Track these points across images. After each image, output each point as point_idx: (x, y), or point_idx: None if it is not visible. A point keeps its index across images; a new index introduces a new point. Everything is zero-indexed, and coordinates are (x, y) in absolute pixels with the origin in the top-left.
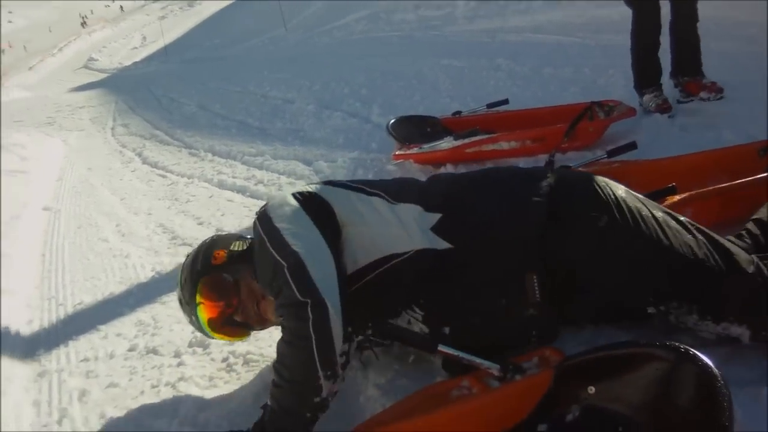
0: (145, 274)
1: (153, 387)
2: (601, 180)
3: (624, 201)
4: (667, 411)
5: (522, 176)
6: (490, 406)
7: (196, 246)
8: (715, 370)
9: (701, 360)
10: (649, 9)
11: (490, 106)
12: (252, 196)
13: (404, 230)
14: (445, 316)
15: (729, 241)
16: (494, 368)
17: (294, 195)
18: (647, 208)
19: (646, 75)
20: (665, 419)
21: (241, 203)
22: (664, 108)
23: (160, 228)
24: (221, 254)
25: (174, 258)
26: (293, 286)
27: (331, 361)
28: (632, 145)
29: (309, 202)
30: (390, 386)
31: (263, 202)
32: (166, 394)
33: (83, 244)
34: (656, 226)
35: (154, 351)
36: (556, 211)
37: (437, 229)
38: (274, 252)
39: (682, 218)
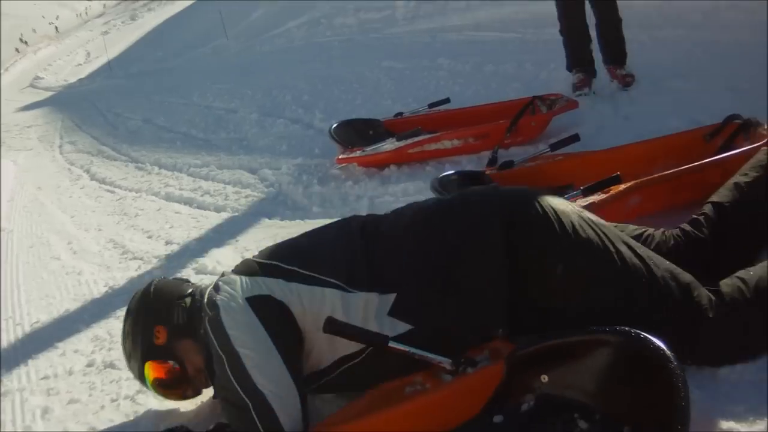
0: (98, 290)
1: (113, 401)
2: (557, 211)
3: (578, 237)
4: (622, 395)
5: (470, 226)
6: (445, 401)
7: (136, 301)
8: (668, 352)
9: (652, 342)
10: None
11: (431, 105)
12: (199, 207)
13: (364, 325)
14: None
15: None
16: (446, 362)
17: (249, 302)
18: (604, 240)
19: (574, 54)
20: (621, 403)
21: (189, 214)
22: (579, 85)
23: (110, 243)
24: (162, 333)
25: (125, 273)
26: (261, 429)
27: None
28: (575, 137)
29: (266, 312)
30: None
31: (210, 213)
32: (126, 407)
33: (36, 263)
34: (615, 267)
35: (111, 365)
36: (514, 262)
37: (394, 312)
38: (236, 384)
39: (640, 250)
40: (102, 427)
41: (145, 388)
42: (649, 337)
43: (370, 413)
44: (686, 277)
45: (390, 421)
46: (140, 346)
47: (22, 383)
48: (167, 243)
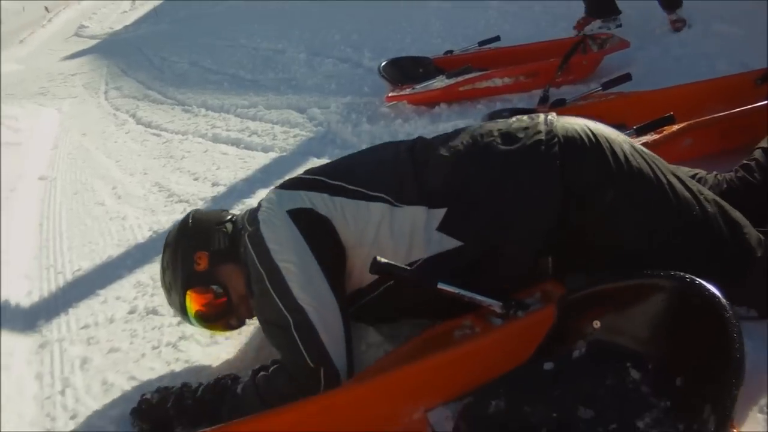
0: (142, 235)
1: (154, 348)
2: (609, 139)
3: (630, 165)
4: (675, 344)
5: (524, 151)
6: (494, 345)
7: (174, 232)
8: (723, 300)
9: (708, 290)
10: None
11: (481, 43)
12: (246, 148)
13: (410, 241)
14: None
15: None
16: (496, 305)
17: (290, 214)
18: (655, 170)
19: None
20: (674, 352)
21: (236, 155)
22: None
23: (156, 187)
24: (204, 259)
25: (171, 216)
26: (303, 350)
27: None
28: (627, 77)
29: (308, 226)
30: (392, 332)
31: (257, 153)
32: (168, 354)
33: (80, 209)
34: (665, 197)
35: (153, 312)
36: (567, 186)
37: (444, 227)
38: (278, 300)
39: (691, 184)
40: (143, 376)
41: (187, 331)
42: (705, 284)
43: (419, 357)
44: (735, 214)
45: (440, 366)
46: (180, 275)
47: (62, 333)
48: (214, 185)
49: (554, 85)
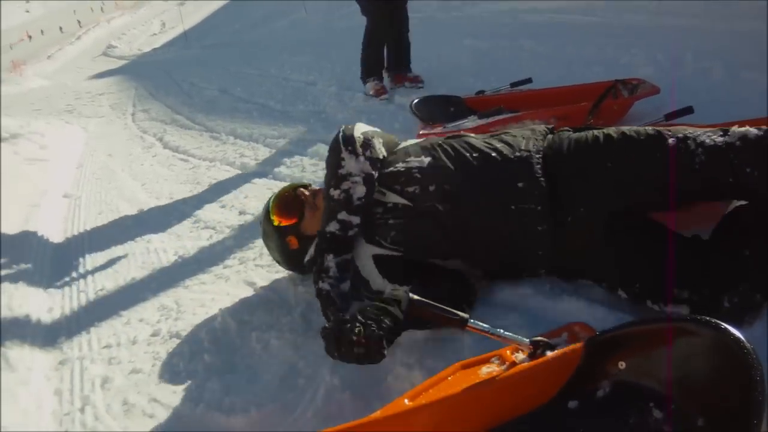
0: (167, 259)
1: (177, 372)
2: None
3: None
4: (699, 386)
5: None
6: (520, 383)
7: None
8: (748, 345)
9: (733, 334)
10: (383, 13)
11: (513, 85)
12: (275, 178)
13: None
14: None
15: None
16: (524, 344)
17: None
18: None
19: (371, 67)
20: (697, 394)
21: (264, 185)
22: (380, 92)
23: (182, 212)
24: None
25: (196, 242)
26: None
27: (350, 139)
28: (689, 110)
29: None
30: (418, 365)
31: (286, 184)
32: (191, 378)
33: (104, 230)
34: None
35: (177, 336)
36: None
37: None
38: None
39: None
40: (164, 399)
41: (209, 361)
42: (730, 328)
43: (445, 393)
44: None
45: (465, 402)
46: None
47: (82, 351)
48: (241, 213)
49: None
